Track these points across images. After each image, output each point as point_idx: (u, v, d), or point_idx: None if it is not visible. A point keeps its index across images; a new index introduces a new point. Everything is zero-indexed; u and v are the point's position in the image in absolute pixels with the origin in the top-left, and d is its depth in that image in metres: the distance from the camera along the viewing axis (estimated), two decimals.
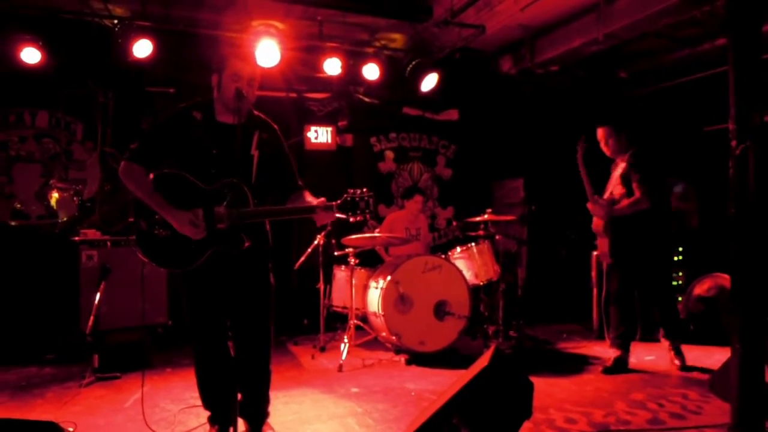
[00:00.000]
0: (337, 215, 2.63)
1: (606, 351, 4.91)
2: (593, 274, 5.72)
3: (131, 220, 2.67)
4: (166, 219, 2.59)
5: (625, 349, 4.34)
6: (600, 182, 4.50)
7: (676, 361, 4.27)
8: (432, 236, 5.57)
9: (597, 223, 4.39)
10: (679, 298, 5.64)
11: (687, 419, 3.21)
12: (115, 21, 4.98)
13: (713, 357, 4.42)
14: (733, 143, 2.86)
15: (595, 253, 5.67)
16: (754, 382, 2.88)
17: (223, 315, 2.79)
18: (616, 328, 4.37)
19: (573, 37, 5.55)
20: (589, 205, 4.35)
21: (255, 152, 2.77)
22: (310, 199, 2.77)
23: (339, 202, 2.62)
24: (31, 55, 4.89)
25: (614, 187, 4.36)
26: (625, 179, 4.23)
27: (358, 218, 2.63)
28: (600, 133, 4.42)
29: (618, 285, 4.38)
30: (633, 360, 4.39)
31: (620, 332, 4.34)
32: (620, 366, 4.27)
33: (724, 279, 5.04)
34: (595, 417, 3.24)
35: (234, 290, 2.69)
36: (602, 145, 4.44)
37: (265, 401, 2.96)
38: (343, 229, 2.93)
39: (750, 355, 2.88)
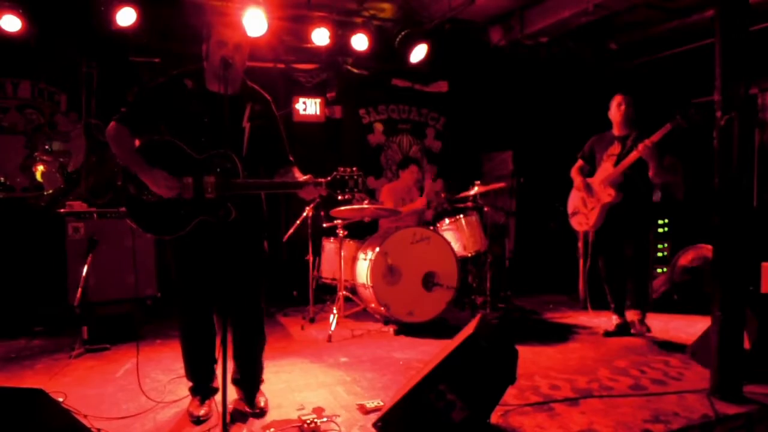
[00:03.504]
0: (326, 192, 2.68)
1: (591, 320, 5.02)
2: (580, 245, 5.79)
3: (119, 183, 2.67)
4: (142, 178, 2.59)
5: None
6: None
7: (642, 329, 4.43)
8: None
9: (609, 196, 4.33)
10: (664, 269, 5.74)
11: (668, 385, 3.29)
12: None
13: (696, 326, 4.52)
14: (718, 114, 2.88)
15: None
16: (733, 347, 2.96)
17: (211, 285, 2.79)
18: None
19: (563, 8, 5.49)
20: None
21: (246, 124, 2.76)
22: (299, 176, 2.78)
23: (329, 179, 2.66)
24: (11, 23, 4.79)
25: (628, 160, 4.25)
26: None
27: (347, 196, 2.69)
28: (622, 98, 4.41)
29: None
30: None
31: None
32: (623, 330, 4.47)
33: (708, 250, 5.12)
34: (579, 383, 3.32)
35: (227, 260, 2.70)
36: (619, 109, 4.39)
37: (259, 370, 3.00)
38: (331, 201, 2.96)
39: (730, 322, 2.95)
